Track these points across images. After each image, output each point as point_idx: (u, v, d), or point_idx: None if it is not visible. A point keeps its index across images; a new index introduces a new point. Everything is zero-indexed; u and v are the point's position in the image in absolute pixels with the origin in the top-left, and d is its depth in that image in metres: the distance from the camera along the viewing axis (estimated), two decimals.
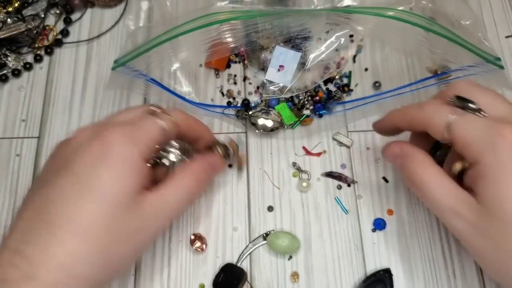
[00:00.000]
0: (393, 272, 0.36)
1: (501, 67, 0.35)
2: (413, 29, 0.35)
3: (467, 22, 0.38)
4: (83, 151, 0.28)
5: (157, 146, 0.30)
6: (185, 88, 0.43)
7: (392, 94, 0.41)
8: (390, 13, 0.34)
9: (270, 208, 0.38)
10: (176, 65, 0.43)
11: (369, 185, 0.39)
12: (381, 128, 0.35)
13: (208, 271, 0.36)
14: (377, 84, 0.42)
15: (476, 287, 0.36)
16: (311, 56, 0.41)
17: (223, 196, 0.39)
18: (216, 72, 0.44)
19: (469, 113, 0.28)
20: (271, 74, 0.40)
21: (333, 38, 0.41)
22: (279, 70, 0.40)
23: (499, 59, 0.36)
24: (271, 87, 0.41)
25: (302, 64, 0.41)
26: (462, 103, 0.28)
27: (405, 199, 0.39)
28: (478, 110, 0.28)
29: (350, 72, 0.43)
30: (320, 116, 0.42)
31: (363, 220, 0.38)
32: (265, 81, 0.41)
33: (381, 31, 0.39)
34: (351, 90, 0.43)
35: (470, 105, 0.28)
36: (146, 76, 0.39)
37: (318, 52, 0.41)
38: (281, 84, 0.41)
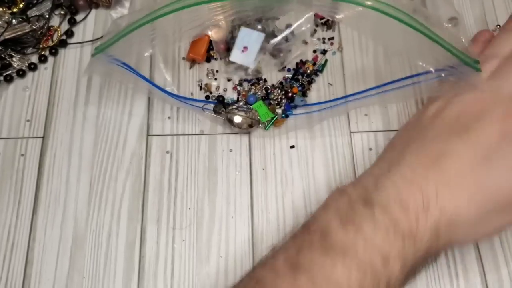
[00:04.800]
0: None
1: (478, 70, 0.35)
2: (390, 21, 0.34)
3: (450, 25, 0.38)
4: (486, 123, 0.31)
5: None
6: (164, 78, 0.43)
7: (359, 96, 0.41)
8: (368, 3, 0.34)
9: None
10: (155, 55, 0.43)
11: None
12: None
13: (211, 271, 0.37)
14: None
15: (478, 287, 0.36)
16: (274, 40, 0.41)
17: (226, 197, 0.39)
18: (193, 63, 0.44)
19: None
20: (236, 55, 0.39)
21: (297, 23, 0.40)
22: (243, 51, 0.40)
23: (477, 61, 0.35)
24: (234, 67, 0.41)
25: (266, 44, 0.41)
26: None
27: None
28: None
29: (326, 61, 0.43)
30: (287, 116, 0.41)
31: None
32: (229, 60, 0.41)
33: (358, 21, 0.38)
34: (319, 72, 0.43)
35: None
36: (124, 64, 0.39)
37: (283, 35, 0.41)
38: (244, 65, 0.40)
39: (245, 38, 0.37)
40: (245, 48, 0.37)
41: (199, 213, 0.39)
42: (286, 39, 0.41)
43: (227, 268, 0.37)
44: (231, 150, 0.41)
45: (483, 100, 0.33)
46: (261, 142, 0.41)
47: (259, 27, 0.40)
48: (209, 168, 0.40)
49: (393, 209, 0.29)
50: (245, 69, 0.41)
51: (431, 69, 0.36)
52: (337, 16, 0.36)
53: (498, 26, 0.46)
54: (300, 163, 0.40)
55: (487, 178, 0.30)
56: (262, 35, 0.38)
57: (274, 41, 0.40)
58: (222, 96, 0.42)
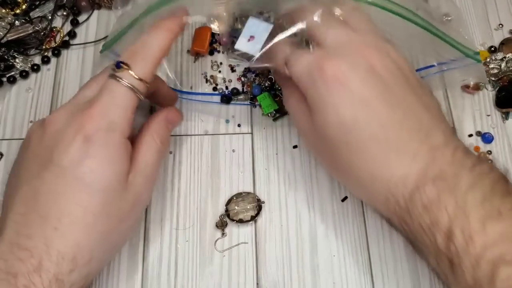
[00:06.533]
0: (400, 272, 0.36)
1: (479, 61, 0.37)
2: (392, 16, 0.34)
3: (449, 18, 0.38)
4: (65, 143, 0.29)
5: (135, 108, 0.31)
6: (168, 74, 0.43)
7: None
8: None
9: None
10: None
11: None
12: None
13: (215, 271, 0.37)
14: None
15: None
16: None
17: (229, 197, 0.39)
18: (197, 57, 0.44)
19: (302, 48, 0.31)
20: (241, 43, 0.39)
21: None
22: (249, 40, 0.40)
23: (477, 53, 0.37)
24: (237, 53, 0.41)
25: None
26: (298, 38, 0.31)
27: None
28: (307, 44, 0.31)
29: None
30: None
31: (369, 219, 0.38)
32: (235, 48, 0.41)
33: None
34: None
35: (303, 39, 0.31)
36: None
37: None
38: (249, 53, 0.40)
39: (252, 28, 0.37)
40: (252, 37, 0.36)
41: (202, 214, 0.39)
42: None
43: (231, 268, 0.37)
44: (233, 150, 0.41)
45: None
46: (263, 142, 0.41)
47: (262, 19, 0.40)
48: (212, 169, 0.40)
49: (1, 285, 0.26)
50: (249, 58, 0.40)
51: (434, 63, 0.37)
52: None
53: (501, 25, 0.46)
54: (303, 163, 0.40)
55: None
56: (271, 25, 0.38)
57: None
58: (236, 89, 0.42)
